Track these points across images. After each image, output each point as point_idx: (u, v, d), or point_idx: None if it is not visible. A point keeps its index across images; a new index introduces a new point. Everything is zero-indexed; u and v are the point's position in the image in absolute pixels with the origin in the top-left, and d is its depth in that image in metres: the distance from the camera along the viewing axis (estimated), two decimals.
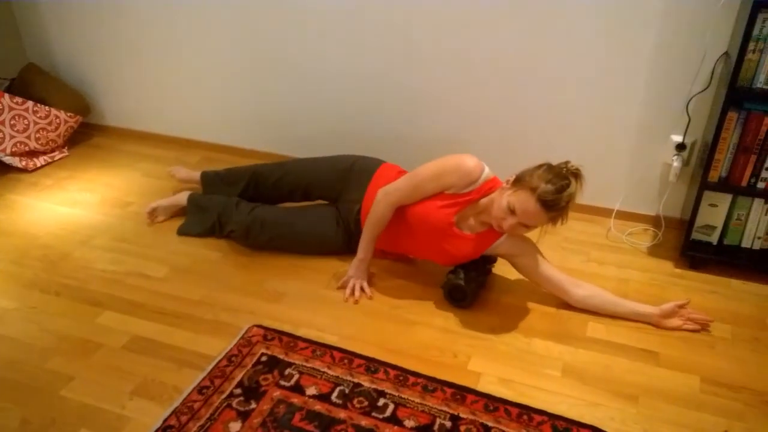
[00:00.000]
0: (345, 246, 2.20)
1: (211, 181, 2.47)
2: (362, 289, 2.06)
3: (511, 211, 1.79)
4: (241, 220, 2.22)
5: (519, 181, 1.80)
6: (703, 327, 1.92)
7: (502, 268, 2.15)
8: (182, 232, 2.36)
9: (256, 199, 2.34)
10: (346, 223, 2.18)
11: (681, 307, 1.92)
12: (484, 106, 2.50)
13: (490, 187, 1.93)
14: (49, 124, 2.89)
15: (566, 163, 1.79)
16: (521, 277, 2.09)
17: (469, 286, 1.96)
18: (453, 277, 1.99)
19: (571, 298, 1.98)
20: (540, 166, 1.80)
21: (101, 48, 3.02)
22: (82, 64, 3.11)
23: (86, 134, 3.21)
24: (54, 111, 2.90)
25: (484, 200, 1.92)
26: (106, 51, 3.02)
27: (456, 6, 2.34)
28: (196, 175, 2.53)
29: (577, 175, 1.77)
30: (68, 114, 2.95)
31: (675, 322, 1.92)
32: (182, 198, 2.42)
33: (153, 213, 2.42)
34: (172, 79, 2.98)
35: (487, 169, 1.93)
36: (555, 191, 1.73)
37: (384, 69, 2.57)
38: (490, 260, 2.09)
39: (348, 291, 2.05)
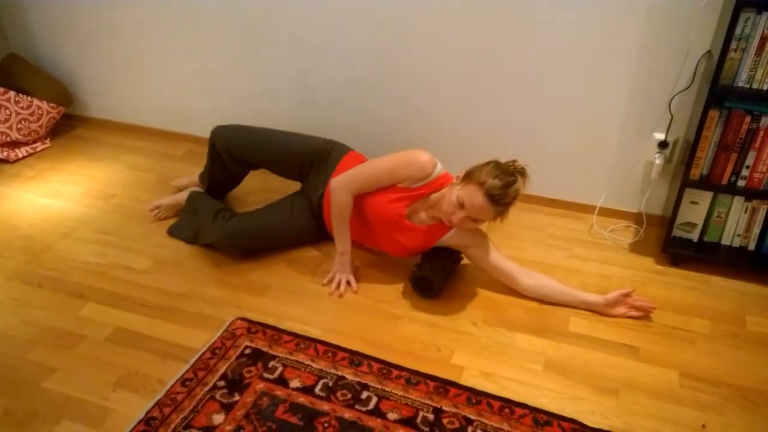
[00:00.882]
0: (316, 233, 2.25)
1: (203, 177, 2.44)
2: (348, 283, 2.07)
3: (460, 205, 1.85)
4: (218, 233, 2.16)
5: (468, 177, 1.87)
6: (647, 314, 1.98)
7: None
8: (170, 233, 2.33)
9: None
10: (312, 205, 2.20)
11: (626, 295, 1.97)
12: (468, 103, 2.50)
13: (442, 182, 1.98)
14: (32, 114, 2.86)
15: (513, 161, 1.86)
16: None
17: (435, 276, 1.99)
18: (417, 269, 2.03)
19: (521, 287, 2.03)
20: (488, 162, 1.87)
21: (84, 38, 2.99)
22: (65, 54, 3.08)
23: (69, 125, 3.17)
24: (36, 101, 2.87)
25: (434, 195, 1.98)
26: (89, 41, 2.99)
27: (439, 5, 2.34)
28: (195, 177, 2.52)
29: (522, 173, 1.85)
30: (51, 105, 2.92)
31: (620, 310, 1.98)
32: (184, 196, 2.39)
33: (157, 210, 2.40)
34: (156, 71, 2.95)
35: (439, 166, 1.98)
36: (502, 186, 1.79)
37: (378, 72, 2.56)
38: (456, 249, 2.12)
39: (333, 286, 2.06)
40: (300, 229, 2.23)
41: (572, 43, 2.27)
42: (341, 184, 2.02)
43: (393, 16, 2.43)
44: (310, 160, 2.22)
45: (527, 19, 2.28)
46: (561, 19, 2.24)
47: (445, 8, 2.35)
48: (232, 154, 2.27)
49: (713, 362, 1.82)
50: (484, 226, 2.00)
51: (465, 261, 2.17)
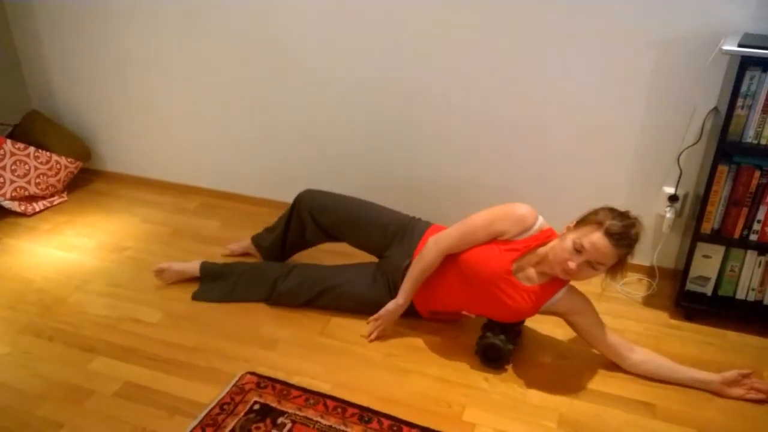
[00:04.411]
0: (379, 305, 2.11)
1: (262, 235, 2.45)
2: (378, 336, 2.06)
3: (577, 250, 1.73)
4: (285, 277, 2.16)
5: (582, 222, 1.80)
6: None
7: None
8: (198, 297, 2.26)
9: (295, 241, 2.32)
10: (393, 279, 2.09)
11: (745, 376, 1.86)
12: (478, 157, 2.54)
13: (547, 236, 1.88)
14: (50, 169, 2.92)
15: (627, 211, 1.80)
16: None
17: (507, 347, 1.90)
18: (491, 335, 1.92)
19: (626, 362, 1.93)
20: (601, 208, 1.80)
21: (103, 95, 3.08)
22: (83, 110, 3.17)
23: (86, 179, 3.24)
24: (55, 156, 2.94)
25: (542, 249, 1.86)
26: (107, 98, 3.08)
27: (447, 57, 2.41)
28: (247, 242, 2.51)
29: (638, 220, 1.78)
30: (69, 159, 2.99)
31: (738, 391, 1.85)
32: (194, 267, 2.33)
33: (161, 272, 2.33)
34: (171, 126, 3.03)
35: (541, 219, 1.90)
36: (623, 226, 1.71)
37: (387, 119, 2.62)
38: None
39: (373, 330, 2.06)
40: (377, 299, 2.09)
41: (581, 98, 2.31)
42: (434, 240, 1.94)
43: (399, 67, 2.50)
44: (396, 230, 2.14)
45: (538, 79, 2.33)
46: (571, 77, 2.29)
47: (451, 62, 2.42)
48: (316, 217, 2.23)
49: (732, 421, 1.77)
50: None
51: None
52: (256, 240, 2.46)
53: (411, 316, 2.12)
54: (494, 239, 1.89)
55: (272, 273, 2.22)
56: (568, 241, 1.76)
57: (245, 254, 2.53)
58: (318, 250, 2.40)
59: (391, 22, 2.43)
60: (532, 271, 1.89)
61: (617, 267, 1.78)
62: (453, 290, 1.98)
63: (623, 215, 1.76)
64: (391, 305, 2.03)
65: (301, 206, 2.25)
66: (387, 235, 2.15)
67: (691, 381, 1.88)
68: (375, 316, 2.06)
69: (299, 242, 2.34)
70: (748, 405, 1.83)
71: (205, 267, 2.32)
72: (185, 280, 2.35)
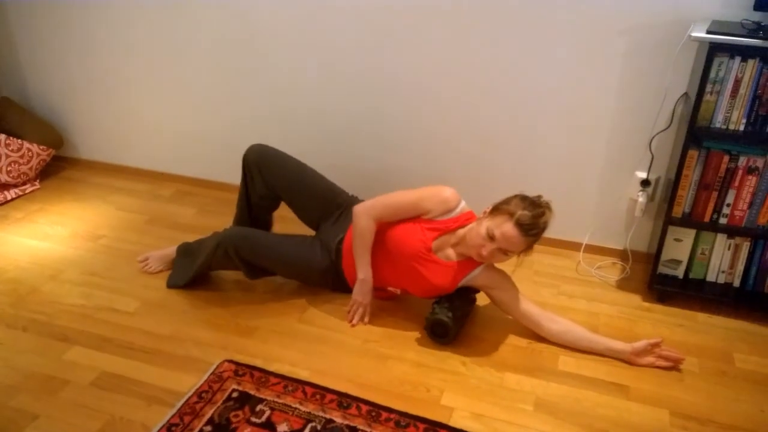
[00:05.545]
0: (330, 278, 2.17)
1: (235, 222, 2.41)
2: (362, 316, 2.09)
3: (490, 237, 1.85)
4: (226, 234, 2.12)
5: (495, 210, 1.89)
6: (676, 365, 1.94)
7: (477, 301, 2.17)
8: (170, 285, 2.26)
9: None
10: (329, 251, 2.14)
11: (654, 345, 1.94)
12: (455, 142, 2.55)
13: (467, 218, 2.00)
14: (21, 157, 2.87)
15: (539, 196, 1.89)
16: (494, 311, 2.11)
17: (451, 320, 1.94)
18: (433, 312, 1.98)
19: (546, 332, 2.01)
20: (515, 196, 1.90)
21: (74, 82, 3.02)
22: (55, 97, 3.11)
23: (58, 167, 3.18)
24: (26, 144, 2.88)
25: (461, 230, 1.97)
26: (79, 85, 3.02)
27: (429, 44, 2.41)
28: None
29: (549, 207, 1.88)
30: (41, 147, 2.94)
31: (647, 359, 1.94)
32: (174, 250, 2.34)
33: (145, 262, 2.35)
34: (145, 112, 2.99)
35: (463, 202, 2.01)
36: (532, 216, 1.82)
37: (365, 106, 2.62)
38: (473, 289, 2.10)
39: (351, 313, 2.09)
40: (320, 263, 2.13)
41: (554, 85, 2.33)
42: (363, 209, 2.01)
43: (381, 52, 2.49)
44: (337, 204, 2.21)
45: (510, 62, 2.34)
46: (542, 63, 2.31)
47: (433, 51, 2.41)
48: (263, 171, 2.22)
49: (702, 400, 1.82)
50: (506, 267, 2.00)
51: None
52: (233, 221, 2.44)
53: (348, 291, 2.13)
54: (418, 217, 1.99)
55: (218, 235, 2.16)
56: (483, 228, 1.87)
57: None
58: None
59: (364, 6, 2.42)
60: (450, 251, 2.01)
61: (529, 247, 1.90)
62: (378, 266, 2.06)
63: (534, 204, 1.85)
64: (357, 285, 2.07)
65: (250, 161, 2.24)
66: (329, 206, 2.22)
67: (606, 350, 1.98)
68: (349, 303, 2.09)
69: (259, 203, 2.30)
70: (714, 385, 1.88)
71: (180, 246, 2.33)
72: (170, 266, 2.33)
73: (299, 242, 2.17)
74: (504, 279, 2.03)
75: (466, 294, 2.08)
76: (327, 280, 2.18)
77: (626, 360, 1.96)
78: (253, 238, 2.12)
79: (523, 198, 1.87)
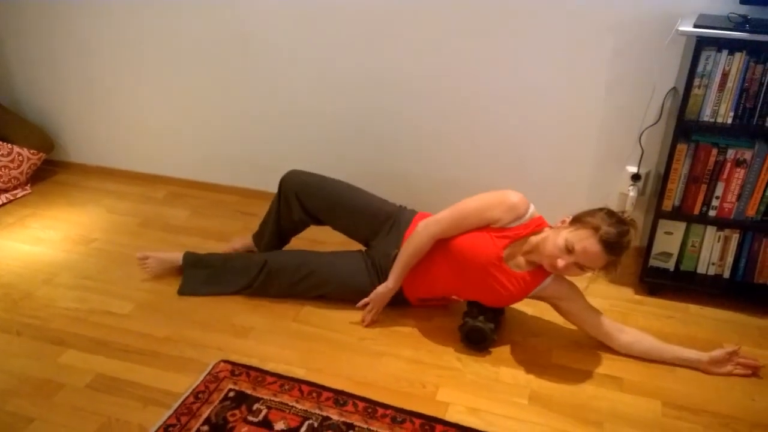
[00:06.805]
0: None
1: (258, 231, 2.34)
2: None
3: (569, 250, 1.75)
4: (274, 258, 2.12)
5: (578, 221, 1.80)
6: (754, 372, 1.90)
7: None
8: (185, 292, 2.21)
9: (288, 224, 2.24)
10: (381, 266, 2.07)
11: (732, 353, 1.89)
12: (445, 138, 2.56)
13: (538, 225, 1.89)
14: (12, 161, 2.86)
15: (623, 211, 1.82)
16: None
17: (489, 328, 1.92)
18: (469, 318, 1.95)
19: (617, 344, 1.95)
20: (600, 209, 1.81)
21: (64, 84, 3.01)
22: (45, 100, 3.10)
23: (49, 171, 3.17)
24: (17, 148, 2.87)
25: (534, 237, 1.87)
26: (68, 87, 3.01)
27: (416, 43, 2.42)
28: (248, 239, 2.40)
29: (634, 225, 1.79)
30: (31, 151, 2.93)
31: (726, 368, 1.89)
32: (177, 257, 2.27)
33: (145, 259, 2.28)
34: (136, 115, 2.98)
35: (532, 207, 1.90)
36: (618, 234, 1.72)
37: (358, 106, 2.62)
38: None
39: (366, 314, 2.06)
40: (363, 283, 2.07)
41: (544, 81, 2.35)
42: (425, 224, 1.92)
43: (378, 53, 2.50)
44: (384, 219, 2.11)
45: (500, 58, 2.36)
46: (532, 58, 2.32)
47: (419, 47, 2.43)
48: (301, 198, 2.16)
49: (694, 390, 1.84)
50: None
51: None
52: (255, 239, 2.37)
53: (399, 304, 2.12)
54: (486, 226, 1.89)
55: (258, 258, 2.18)
56: (561, 238, 1.77)
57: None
58: (298, 239, 2.35)
59: (365, 6, 2.42)
60: (521, 259, 1.91)
61: (609, 267, 1.80)
62: (443, 276, 1.98)
63: (621, 221, 1.76)
64: (381, 288, 2.02)
65: (287, 187, 2.18)
66: (375, 223, 2.12)
67: (680, 360, 1.92)
68: (365, 300, 2.05)
69: (292, 227, 2.27)
70: (705, 375, 1.90)
71: (189, 255, 2.27)
72: (168, 271, 2.30)
73: (348, 261, 2.11)
74: (573, 290, 1.94)
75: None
76: (363, 298, 2.09)
77: (702, 369, 1.90)
78: (304, 266, 2.11)
79: (610, 213, 1.77)
